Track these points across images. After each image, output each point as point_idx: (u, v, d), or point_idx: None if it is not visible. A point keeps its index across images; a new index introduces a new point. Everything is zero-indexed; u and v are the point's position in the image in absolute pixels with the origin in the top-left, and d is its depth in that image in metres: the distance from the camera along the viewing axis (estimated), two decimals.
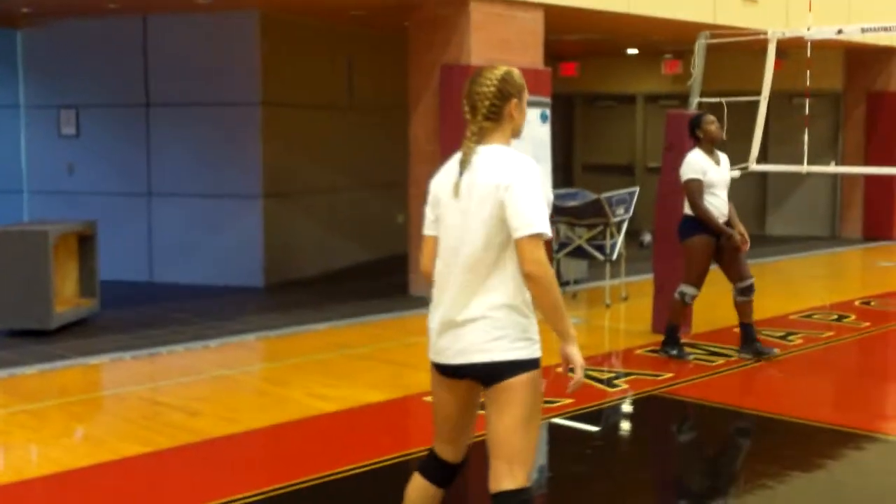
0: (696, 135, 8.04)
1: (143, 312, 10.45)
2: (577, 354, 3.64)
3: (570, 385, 3.64)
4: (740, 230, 8.00)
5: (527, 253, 3.52)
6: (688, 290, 8.08)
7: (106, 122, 12.69)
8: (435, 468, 3.92)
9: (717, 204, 7.93)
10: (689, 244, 8.01)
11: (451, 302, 3.67)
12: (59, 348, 8.68)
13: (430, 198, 3.84)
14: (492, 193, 3.59)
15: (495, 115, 3.72)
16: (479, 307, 3.62)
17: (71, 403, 7.18)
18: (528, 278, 3.54)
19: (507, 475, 3.64)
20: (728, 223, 7.99)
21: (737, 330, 8.35)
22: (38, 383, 7.65)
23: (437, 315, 3.74)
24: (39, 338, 9.02)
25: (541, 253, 3.53)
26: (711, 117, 8.05)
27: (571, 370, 3.64)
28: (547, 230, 3.55)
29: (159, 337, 9.10)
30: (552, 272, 3.58)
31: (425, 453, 4.01)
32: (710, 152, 7.99)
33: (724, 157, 8.13)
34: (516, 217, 3.55)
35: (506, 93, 3.72)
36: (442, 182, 3.80)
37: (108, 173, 12.63)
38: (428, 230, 3.87)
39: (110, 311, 10.19)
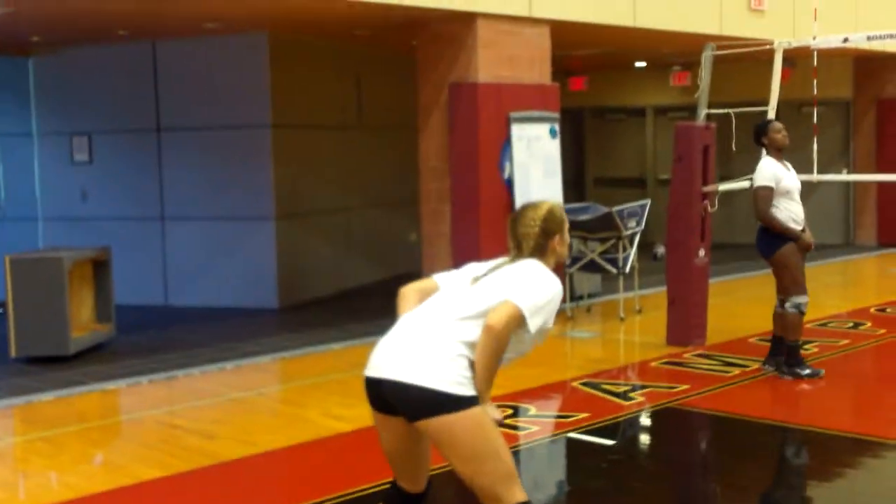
0: (762, 142, 7.89)
1: (159, 336, 10.50)
2: (489, 412, 3.71)
3: None
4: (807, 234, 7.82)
5: (502, 313, 3.62)
6: (800, 299, 7.78)
7: (118, 147, 12.77)
8: (397, 499, 3.94)
9: (796, 210, 7.73)
10: (780, 256, 7.75)
11: (406, 331, 3.79)
12: (77, 374, 8.73)
13: (464, 269, 3.99)
14: (510, 281, 3.76)
15: (540, 252, 3.90)
16: (432, 344, 3.69)
17: (89, 429, 7.21)
18: (486, 328, 3.62)
19: (496, 501, 3.68)
20: (803, 230, 7.79)
21: (753, 340, 8.32)
22: (55, 410, 7.69)
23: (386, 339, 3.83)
24: (57, 364, 9.07)
25: (512, 324, 3.63)
26: (778, 125, 7.91)
27: None
28: (530, 324, 3.66)
29: (175, 360, 9.14)
30: (505, 343, 3.64)
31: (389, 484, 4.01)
32: (779, 159, 7.81)
33: (789, 165, 7.93)
34: (518, 288, 3.70)
35: (549, 231, 3.91)
36: (476, 269, 3.94)
37: (122, 198, 12.70)
38: (439, 276, 4.01)
39: (126, 335, 10.24)
